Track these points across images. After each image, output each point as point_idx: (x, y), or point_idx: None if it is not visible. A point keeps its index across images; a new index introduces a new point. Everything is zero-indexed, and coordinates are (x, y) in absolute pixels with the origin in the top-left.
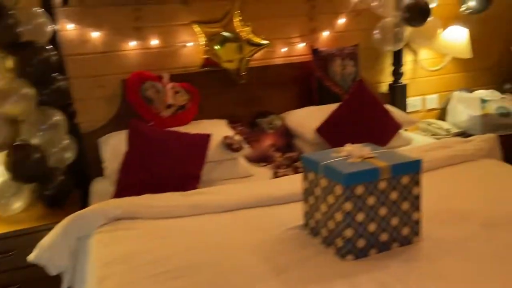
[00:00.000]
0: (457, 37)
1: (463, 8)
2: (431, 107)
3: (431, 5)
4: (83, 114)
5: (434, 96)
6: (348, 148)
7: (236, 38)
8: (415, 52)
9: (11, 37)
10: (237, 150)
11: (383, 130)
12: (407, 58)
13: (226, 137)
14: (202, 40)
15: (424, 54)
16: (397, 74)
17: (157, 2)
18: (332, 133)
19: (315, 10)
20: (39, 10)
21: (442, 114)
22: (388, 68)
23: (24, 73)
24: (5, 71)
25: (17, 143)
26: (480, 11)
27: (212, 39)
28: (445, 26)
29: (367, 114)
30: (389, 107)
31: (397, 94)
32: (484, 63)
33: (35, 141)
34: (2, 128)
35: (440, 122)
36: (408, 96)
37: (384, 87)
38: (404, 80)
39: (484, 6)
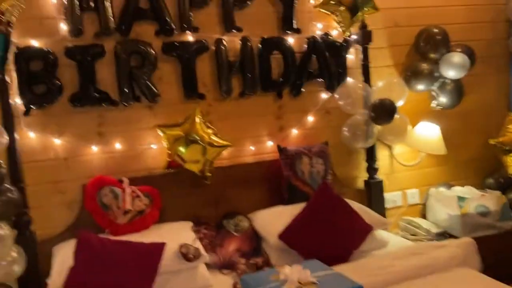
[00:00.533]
0: (429, 134)
1: (433, 104)
2: (412, 203)
3: (398, 104)
4: (40, 221)
5: (415, 190)
6: (286, 271)
7: (198, 141)
8: (389, 147)
9: None
10: (192, 260)
11: (351, 234)
12: (382, 153)
13: (181, 246)
14: (166, 142)
15: (399, 149)
16: (371, 170)
17: (123, 107)
18: (296, 239)
19: (283, 110)
20: None
21: (424, 210)
22: (363, 163)
23: None
24: None
25: None
26: (452, 107)
27: (175, 141)
28: (415, 122)
29: (333, 217)
30: (360, 207)
31: (373, 190)
32: (462, 157)
33: None
34: None
35: (420, 221)
36: (387, 191)
37: (360, 183)
38: (380, 175)
39: (455, 102)
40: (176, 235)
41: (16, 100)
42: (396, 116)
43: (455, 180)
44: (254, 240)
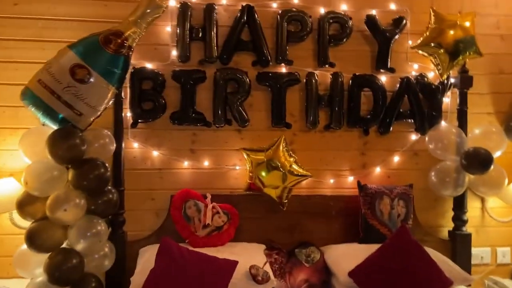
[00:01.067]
0: None
1: None
2: (503, 262)
3: (495, 154)
4: (131, 223)
5: (506, 249)
6: None
7: (280, 167)
8: (482, 199)
9: (76, 154)
10: (260, 282)
11: (427, 285)
12: (472, 204)
13: (252, 267)
14: (249, 165)
15: (493, 202)
16: (459, 220)
17: (215, 129)
18: (366, 280)
19: (367, 146)
20: (106, 131)
21: None
22: (449, 212)
23: (80, 185)
24: (65, 182)
25: (62, 247)
26: None
27: (258, 165)
28: None
29: (408, 263)
30: (441, 258)
31: (459, 242)
32: None
33: (78, 247)
34: (55, 232)
35: (508, 283)
36: (474, 246)
37: (444, 233)
38: (468, 228)
39: None
40: (249, 255)
41: (127, 114)
42: (492, 167)
43: None
44: (324, 273)
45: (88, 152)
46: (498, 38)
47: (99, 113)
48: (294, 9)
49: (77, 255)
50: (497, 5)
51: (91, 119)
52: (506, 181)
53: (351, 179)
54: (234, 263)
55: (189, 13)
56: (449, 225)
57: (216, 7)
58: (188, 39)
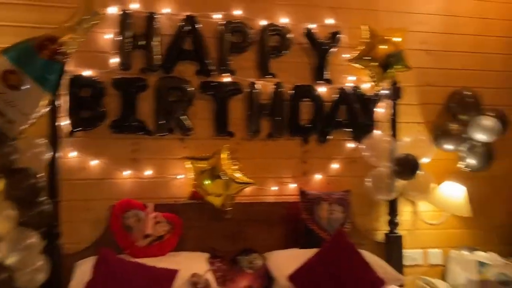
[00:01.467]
0: (454, 194)
1: (461, 165)
2: (434, 263)
3: (422, 160)
4: (68, 235)
5: (437, 251)
6: None
7: (222, 176)
8: (413, 203)
9: (6, 163)
10: None
11: (361, 285)
12: (405, 208)
13: (193, 275)
14: (192, 174)
15: (424, 206)
16: (392, 224)
17: (156, 137)
18: (305, 283)
19: (308, 155)
20: (40, 140)
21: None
22: (384, 216)
23: (11, 195)
24: None
25: None
26: (480, 170)
27: (201, 174)
28: (440, 181)
29: (344, 265)
30: (376, 260)
31: (392, 244)
32: (488, 222)
33: (9, 260)
34: None
35: (439, 283)
36: (408, 248)
37: (380, 236)
38: (401, 231)
39: (483, 166)
40: (190, 264)
41: (64, 122)
42: (420, 172)
43: (481, 245)
44: (266, 279)
45: (20, 161)
46: (424, 53)
47: (32, 120)
48: (236, 21)
49: (6, 269)
50: (423, 22)
51: (23, 127)
52: (433, 185)
53: (293, 186)
54: (174, 272)
55: (130, 21)
56: (384, 228)
57: (158, 16)
58: (129, 47)
